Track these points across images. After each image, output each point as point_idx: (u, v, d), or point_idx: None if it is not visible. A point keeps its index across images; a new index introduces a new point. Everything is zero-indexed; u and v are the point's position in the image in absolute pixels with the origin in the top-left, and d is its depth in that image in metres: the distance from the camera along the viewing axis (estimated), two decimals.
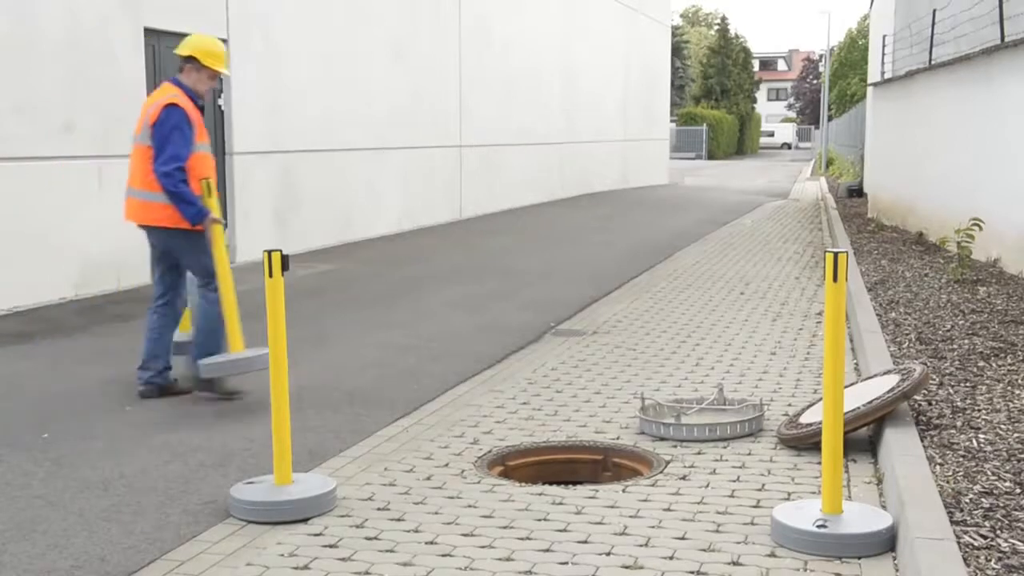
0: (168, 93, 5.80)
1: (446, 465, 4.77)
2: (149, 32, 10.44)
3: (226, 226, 5.65)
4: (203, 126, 5.85)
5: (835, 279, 3.76)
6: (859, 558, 3.63)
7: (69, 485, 4.53)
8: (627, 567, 3.59)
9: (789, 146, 73.42)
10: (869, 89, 22.64)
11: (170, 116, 5.66)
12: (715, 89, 63.62)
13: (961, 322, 7.39)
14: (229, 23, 11.57)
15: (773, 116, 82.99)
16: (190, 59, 5.86)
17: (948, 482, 4.11)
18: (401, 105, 15.39)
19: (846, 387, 4.67)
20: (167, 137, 5.63)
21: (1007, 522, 3.69)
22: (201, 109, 5.92)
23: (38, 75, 9.16)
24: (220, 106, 11.62)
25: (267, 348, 5.25)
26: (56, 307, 9.02)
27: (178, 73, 5.93)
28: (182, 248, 5.92)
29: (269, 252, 4.16)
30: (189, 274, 6.04)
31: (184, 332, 6.22)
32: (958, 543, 3.45)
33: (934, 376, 5.80)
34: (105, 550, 3.83)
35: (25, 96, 9.04)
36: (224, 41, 11.49)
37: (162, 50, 10.70)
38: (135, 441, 5.19)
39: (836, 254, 3.76)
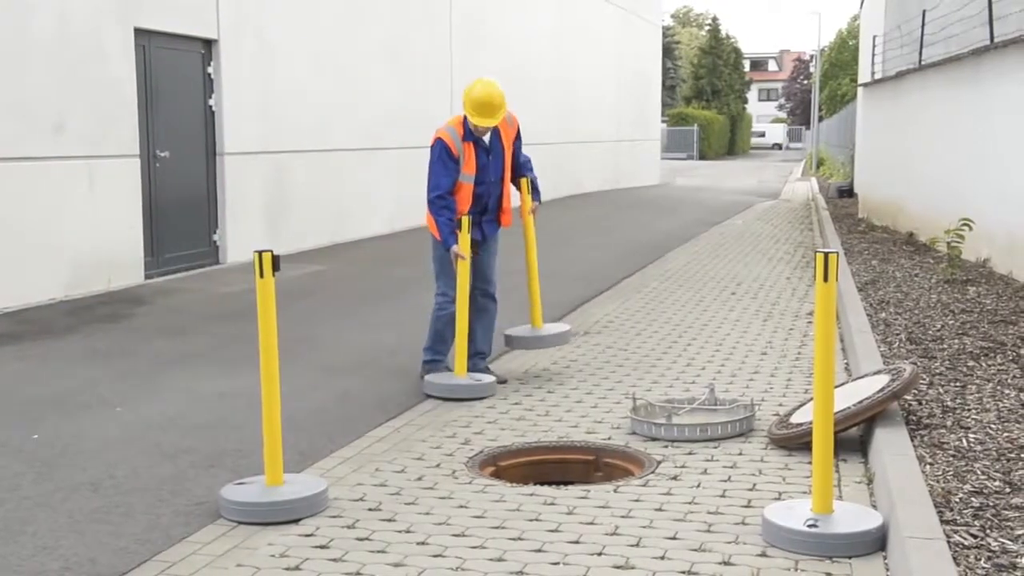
0: (447, 124, 6.26)
1: (437, 465, 4.77)
2: (140, 32, 10.41)
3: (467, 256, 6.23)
4: (472, 159, 6.17)
5: (825, 279, 3.77)
6: (850, 557, 3.64)
7: (59, 486, 4.52)
8: (618, 567, 3.59)
9: (780, 146, 73.55)
10: (859, 89, 22.69)
11: (433, 149, 6.18)
12: (706, 89, 63.67)
13: (951, 322, 7.41)
14: (220, 23, 11.55)
15: (764, 116, 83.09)
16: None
17: (938, 481, 4.12)
18: (393, 105, 15.38)
19: (836, 387, 4.69)
20: (430, 168, 6.18)
21: (997, 521, 3.70)
22: (484, 144, 6.21)
23: (29, 75, 9.13)
24: (211, 106, 11.61)
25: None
26: (46, 308, 8.99)
27: None
28: (432, 254, 6.41)
29: (260, 252, 4.15)
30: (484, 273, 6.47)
31: (535, 327, 6.67)
32: (948, 542, 3.46)
33: (924, 376, 5.82)
34: (95, 552, 3.82)
35: (16, 96, 9.01)
36: (214, 41, 11.49)
37: (153, 50, 10.68)
38: (125, 442, 5.18)
39: (826, 254, 3.77)
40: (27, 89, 9.12)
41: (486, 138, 6.22)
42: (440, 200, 6.14)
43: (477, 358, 6.44)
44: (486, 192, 6.28)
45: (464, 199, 6.21)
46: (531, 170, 6.58)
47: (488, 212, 6.37)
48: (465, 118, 6.17)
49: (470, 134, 6.17)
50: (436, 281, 6.43)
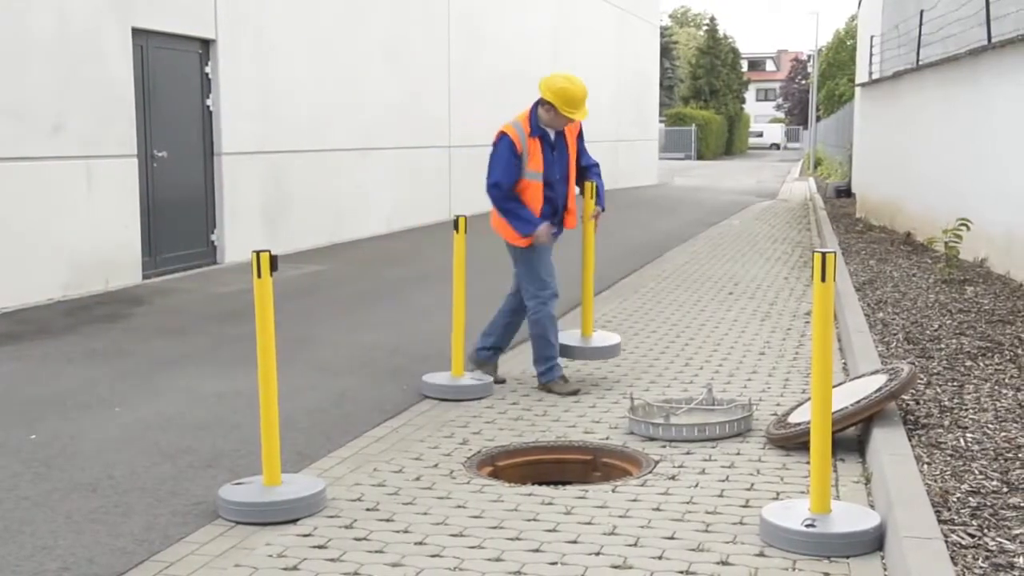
0: (513, 120, 6.08)
1: (435, 465, 4.77)
2: (138, 32, 10.41)
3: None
4: (538, 155, 6.00)
5: (823, 279, 3.77)
6: (847, 557, 3.64)
7: (57, 487, 4.52)
8: (616, 567, 3.59)
9: (778, 146, 73.57)
10: (857, 90, 22.71)
11: (496, 144, 6.04)
12: (704, 89, 63.70)
13: (949, 322, 7.41)
14: (218, 23, 11.55)
15: (762, 116, 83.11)
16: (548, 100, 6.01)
17: (936, 481, 4.12)
18: (391, 106, 15.38)
19: (834, 387, 4.69)
20: (490, 161, 6.04)
21: (994, 521, 3.70)
22: (549, 140, 6.06)
23: (27, 75, 9.12)
24: (209, 106, 11.60)
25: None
26: (44, 308, 8.98)
27: (539, 103, 6.05)
28: (513, 259, 6.29)
29: (258, 253, 4.15)
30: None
31: (584, 336, 6.44)
32: (946, 542, 3.46)
33: (922, 376, 5.82)
34: (93, 552, 3.82)
35: (14, 96, 9.00)
36: (212, 41, 11.49)
37: (150, 50, 10.68)
38: (124, 442, 5.17)
39: (824, 254, 3.77)
40: (25, 89, 9.11)
41: (552, 135, 6.05)
42: (498, 190, 5.99)
43: (494, 351, 6.38)
44: (554, 193, 6.10)
45: (534, 199, 6.03)
46: (598, 176, 6.38)
47: (558, 214, 6.20)
48: (532, 114, 6.00)
49: (536, 130, 6.00)
50: (525, 286, 6.20)
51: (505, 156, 5.95)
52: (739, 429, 5.19)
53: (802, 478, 4.47)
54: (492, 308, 9.13)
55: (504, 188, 5.99)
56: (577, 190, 6.38)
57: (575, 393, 6.05)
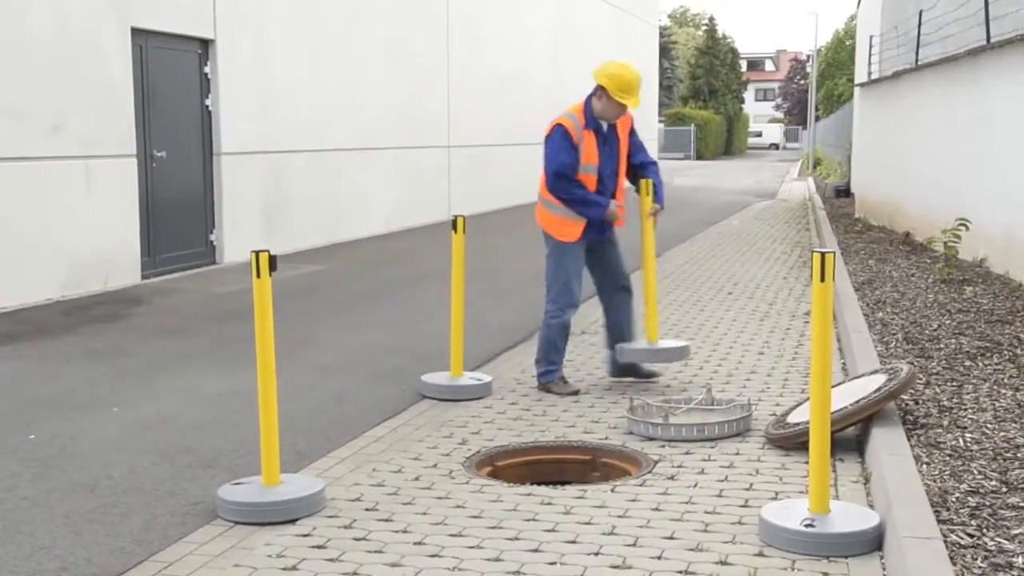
0: (567, 112, 6.01)
1: (434, 465, 4.77)
2: (137, 32, 10.40)
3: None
4: (593, 148, 5.94)
5: (822, 279, 3.77)
6: (846, 557, 3.64)
7: (56, 487, 4.52)
8: (615, 567, 3.59)
9: (777, 146, 73.56)
10: (856, 89, 22.71)
11: (551, 136, 5.96)
12: (703, 89, 63.73)
13: (948, 322, 7.41)
14: (217, 23, 11.55)
15: (761, 116, 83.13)
16: (601, 86, 5.95)
17: (935, 481, 4.12)
18: (390, 106, 15.38)
19: (833, 387, 4.69)
20: (548, 153, 5.96)
21: (993, 521, 3.70)
22: (602, 132, 6.00)
23: (26, 75, 9.12)
24: (208, 106, 11.60)
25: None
26: (43, 308, 8.98)
27: (593, 93, 6.01)
28: (547, 255, 6.20)
29: (257, 253, 4.15)
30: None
31: (651, 341, 6.27)
32: (945, 542, 3.46)
33: (921, 376, 5.82)
34: (92, 552, 3.82)
35: (13, 96, 9.00)
36: (211, 41, 11.49)
37: (149, 50, 10.67)
38: (123, 442, 5.17)
39: (823, 254, 3.77)
40: (24, 89, 9.11)
41: (605, 127, 5.98)
42: (562, 178, 5.89)
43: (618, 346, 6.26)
44: (604, 188, 6.01)
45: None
46: (656, 173, 6.26)
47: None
48: (586, 105, 5.95)
49: (591, 122, 5.92)
50: (549, 284, 6.17)
51: (564, 145, 5.88)
52: (738, 429, 5.19)
53: (801, 478, 4.47)
54: (490, 308, 9.16)
55: (569, 174, 5.89)
56: (628, 185, 6.24)
57: (575, 394, 6.04)
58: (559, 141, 5.90)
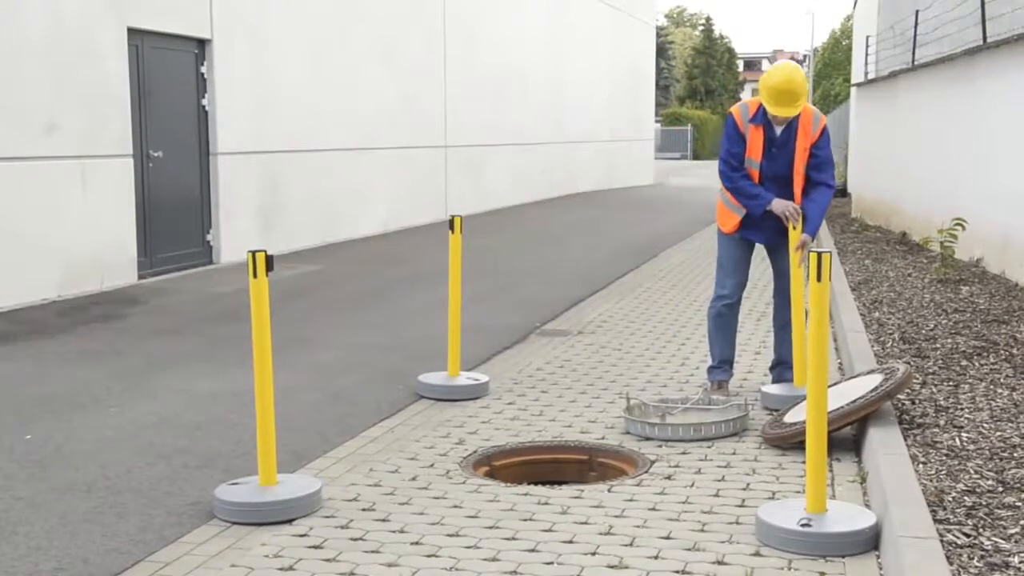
0: (745, 101, 5.89)
1: (431, 465, 4.77)
2: (133, 32, 10.39)
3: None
4: (758, 144, 5.71)
5: (819, 279, 3.77)
6: (843, 557, 3.64)
7: (52, 487, 4.51)
8: (612, 567, 3.59)
9: None
10: (853, 89, 22.72)
11: (727, 121, 5.87)
12: (700, 89, 63.74)
13: (944, 321, 7.42)
14: (213, 23, 11.53)
15: None
16: None
17: (931, 481, 4.13)
18: (386, 105, 15.37)
19: (830, 386, 4.69)
20: (722, 141, 5.89)
21: (989, 520, 3.71)
22: (773, 133, 5.72)
23: (22, 75, 9.11)
24: (204, 106, 11.59)
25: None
26: (39, 308, 8.97)
27: None
28: (717, 245, 6.14)
29: (253, 253, 4.14)
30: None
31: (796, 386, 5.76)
32: (941, 541, 3.46)
33: (917, 375, 5.82)
34: (88, 552, 3.81)
35: (8, 96, 8.98)
36: (208, 41, 11.48)
37: (146, 50, 10.66)
38: (119, 442, 5.17)
39: (820, 254, 3.78)
40: (20, 89, 9.10)
41: (779, 130, 5.70)
42: (728, 167, 5.74)
43: (780, 368, 6.03)
44: (769, 192, 5.72)
45: None
46: (816, 199, 5.69)
47: (767, 217, 5.73)
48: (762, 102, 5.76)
49: (761, 117, 5.67)
50: (716, 273, 6.09)
51: (731, 133, 5.76)
52: (735, 429, 5.19)
53: (798, 477, 4.47)
54: (487, 308, 9.16)
55: (732, 161, 5.74)
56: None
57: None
58: (728, 129, 5.79)
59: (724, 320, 6.01)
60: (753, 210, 5.74)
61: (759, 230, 5.85)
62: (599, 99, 26.18)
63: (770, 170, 5.74)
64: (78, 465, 4.81)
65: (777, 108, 5.56)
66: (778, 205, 5.65)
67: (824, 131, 5.74)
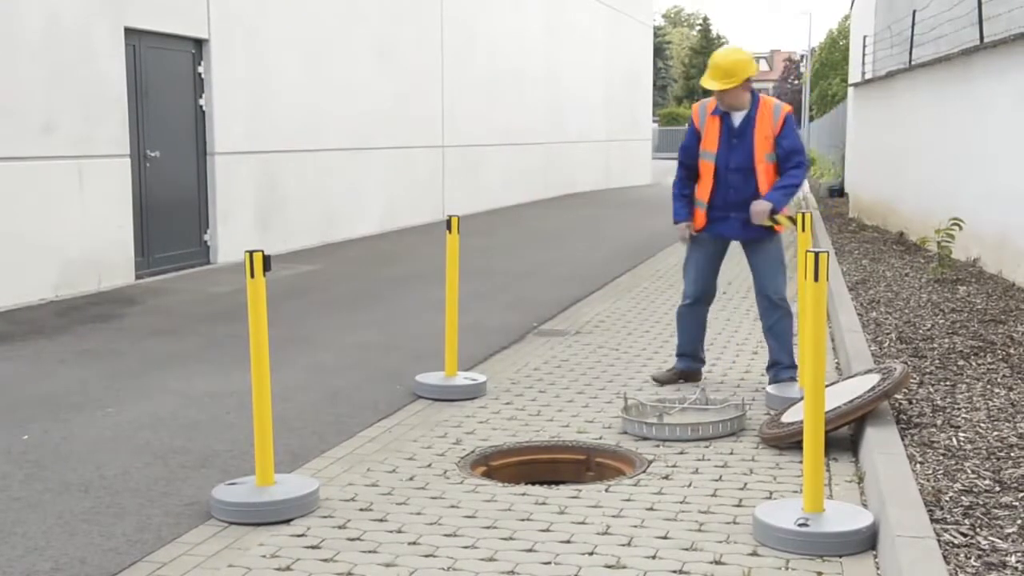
0: (703, 100, 6.09)
1: (429, 465, 4.77)
2: (130, 32, 10.39)
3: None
4: (714, 136, 5.89)
5: (816, 279, 3.78)
6: (840, 556, 3.65)
7: (49, 487, 4.51)
8: (610, 567, 3.59)
9: None
10: (850, 90, 22.73)
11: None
12: (697, 89, 63.80)
13: (941, 321, 7.43)
14: (210, 23, 11.53)
15: None
16: None
17: (928, 480, 4.13)
18: (384, 105, 15.37)
19: (827, 386, 4.69)
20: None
21: (987, 520, 3.71)
22: (731, 123, 5.87)
23: (18, 75, 9.10)
24: (201, 106, 11.58)
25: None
26: (36, 308, 8.96)
27: None
28: None
29: (251, 253, 4.14)
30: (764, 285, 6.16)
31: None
32: (938, 541, 3.46)
33: (914, 375, 5.83)
34: (85, 552, 3.81)
35: (5, 96, 8.98)
36: (205, 41, 11.47)
37: (143, 50, 10.65)
38: (116, 443, 5.16)
39: (817, 254, 3.78)
40: (16, 89, 9.09)
41: (737, 120, 5.82)
42: (680, 169, 6.07)
43: (775, 369, 6.00)
44: (727, 181, 5.83)
45: (705, 182, 5.90)
46: (783, 182, 5.80)
47: (733, 208, 5.87)
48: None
49: (718, 109, 5.86)
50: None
51: (688, 128, 6.04)
52: (732, 429, 5.19)
53: (795, 477, 4.47)
54: (484, 308, 9.16)
55: (683, 159, 6.04)
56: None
57: (659, 384, 6.20)
58: (688, 125, 6.04)
59: (683, 319, 6.33)
60: (675, 214, 6.13)
61: (725, 223, 6.01)
62: (596, 99, 26.18)
63: (731, 161, 5.88)
64: (75, 465, 4.80)
65: (706, 80, 5.80)
66: (679, 229, 6.14)
67: (787, 121, 5.86)
